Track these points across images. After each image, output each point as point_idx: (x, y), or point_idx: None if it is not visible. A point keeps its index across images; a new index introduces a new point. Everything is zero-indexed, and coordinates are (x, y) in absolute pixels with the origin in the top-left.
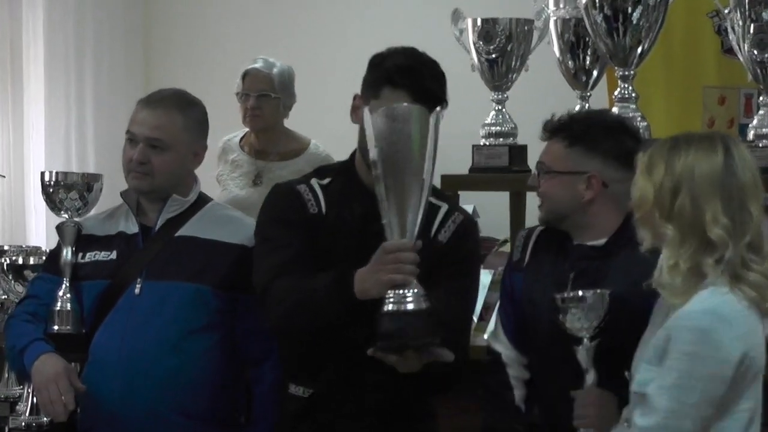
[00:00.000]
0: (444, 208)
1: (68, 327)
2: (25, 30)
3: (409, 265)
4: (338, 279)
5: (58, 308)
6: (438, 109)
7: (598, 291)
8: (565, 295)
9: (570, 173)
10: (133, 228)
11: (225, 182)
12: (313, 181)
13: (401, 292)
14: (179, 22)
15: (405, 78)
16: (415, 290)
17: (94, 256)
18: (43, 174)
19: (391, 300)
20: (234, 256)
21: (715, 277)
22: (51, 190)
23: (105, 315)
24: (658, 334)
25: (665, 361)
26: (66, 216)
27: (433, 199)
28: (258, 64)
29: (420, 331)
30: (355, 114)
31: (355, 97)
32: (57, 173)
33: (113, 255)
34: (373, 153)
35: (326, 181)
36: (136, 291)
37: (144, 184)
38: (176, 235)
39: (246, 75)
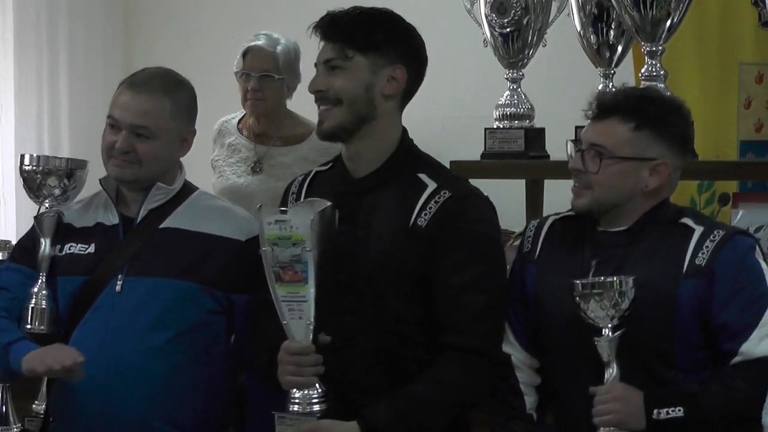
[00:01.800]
0: (430, 188)
1: (43, 327)
2: None
3: (310, 368)
4: (268, 363)
5: (32, 306)
6: (324, 207)
7: (620, 279)
8: (587, 281)
9: (637, 159)
10: (112, 219)
11: (221, 168)
12: (315, 169)
13: (307, 393)
14: None
15: (317, 26)
16: (320, 390)
17: (70, 249)
18: (22, 157)
19: (297, 401)
20: (227, 252)
21: None
22: (30, 175)
23: (82, 315)
24: None
25: None
26: (46, 204)
27: (424, 177)
28: (260, 41)
29: None
30: None
31: None
32: (38, 157)
33: (91, 249)
34: (264, 257)
35: (327, 166)
36: (117, 288)
37: (128, 173)
38: (161, 227)
39: (247, 53)
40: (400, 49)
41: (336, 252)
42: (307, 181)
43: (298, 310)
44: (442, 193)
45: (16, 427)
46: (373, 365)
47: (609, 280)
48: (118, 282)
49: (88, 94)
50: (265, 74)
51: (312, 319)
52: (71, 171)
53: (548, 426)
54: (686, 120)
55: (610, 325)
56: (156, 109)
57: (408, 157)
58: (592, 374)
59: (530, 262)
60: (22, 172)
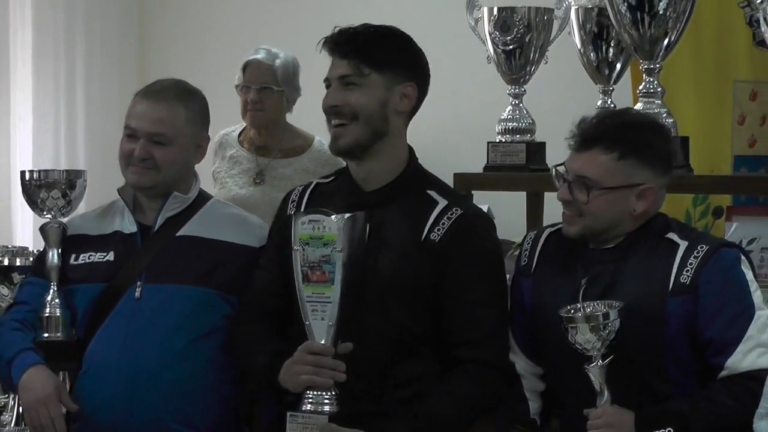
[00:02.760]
0: (441, 204)
1: (58, 334)
2: (12, 13)
3: (329, 370)
4: (268, 366)
5: (46, 315)
6: (351, 215)
7: (607, 306)
8: (572, 312)
9: (623, 187)
10: (130, 227)
11: (223, 179)
12: (315, 180)
13: (320, 393)
14: (176, 7)
15: (329, 42)
16: (333, 393)
17: (89, 258)
18: (23, 173)
19: (310, 401)
20: (241, 258)
21: None
22: (31, 189)
23: (102, 320)
24: None
25: None
26: (49, 216)
27: (433, 194)
28: (260, 55)
29: None
30: None
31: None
32: (38, 171)
33: (110, 256)
34: (294, 256)
35: (329, 179)
36: (137, 294)
37: (146, 180)
38: (177, 234)
39: (247, 66)
40: (411, 66)
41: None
42: (308, 191)
43: (322, 310)
44: (454, 210)
45: None
46: (368, 373)
47: (595, 312)
48: (137, 289)
49: (104, 106)
50: (264, 86)
51: (334, 321)
52: (71, 182)
53: (552, 430)
54: (667, 139)
55: (598, 353)
56: (171, 116)
57: (417, 175)
58: (587, 383)
59: (527, 276)
60: (24, 188)
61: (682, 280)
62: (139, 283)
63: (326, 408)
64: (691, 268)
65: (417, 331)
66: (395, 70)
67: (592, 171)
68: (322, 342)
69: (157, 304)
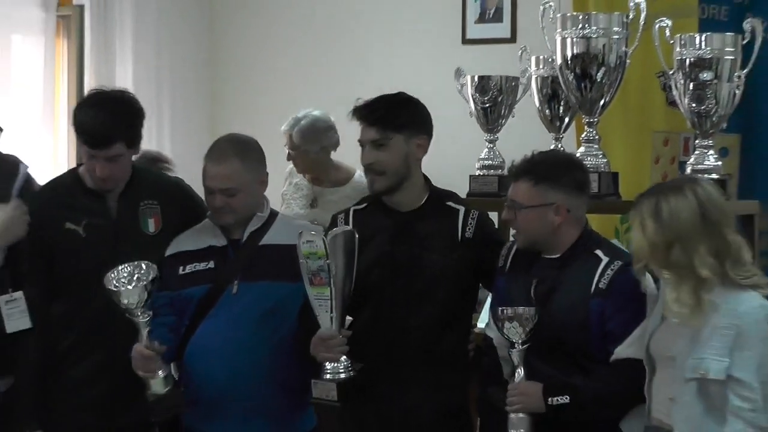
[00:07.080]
0: (462, 210)
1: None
2: (118, 78)
3: (338, 347)
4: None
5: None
6: (334, 233)
7: (527, 309)
8: (501, 311)
9: (541, 206)
10: (222, 242)
11: (288, 201)
12: (352, 208)
13: (335, 365)
14: (243, 75)
15: (357, 113)
16: (345, 363)
17: (194, 267)
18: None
19: (328, 371)
20: None
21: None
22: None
23: (208, 311)
24: (721, 332)
25: (743, 351)
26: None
27: (452, 204)
28: (284, 127)
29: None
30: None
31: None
32: (113, 292)
33: (211, 264)
34: (302, 268)
35: (363, 206)
36: (234, 291)
37: (228, 219)
38: (260, 244)
39: (284, 134)
40: (421, 123)
41: (394, 264)
42: (350, 216)
43: (325, 306)
44: (473, 212)
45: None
46: (420, 345)
47: (517, 312)
48: (234, 286)
49: (184, 148)
50: (291, 150)
51: (334, 312)
52: (152, 279)
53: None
54: (579, 169)
55: (520, 341)
56: (233, 172)
57: (438, 193)
58: (534, 357)
59: (502, 275)
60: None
61: (600, 286)
62: (235, 282)
63: (342, 375)
64: (607, 277)
65: (457, 310)
66: (410, 129)
67: (518, 196)
68: (329, 328)
69: (251, 297)
